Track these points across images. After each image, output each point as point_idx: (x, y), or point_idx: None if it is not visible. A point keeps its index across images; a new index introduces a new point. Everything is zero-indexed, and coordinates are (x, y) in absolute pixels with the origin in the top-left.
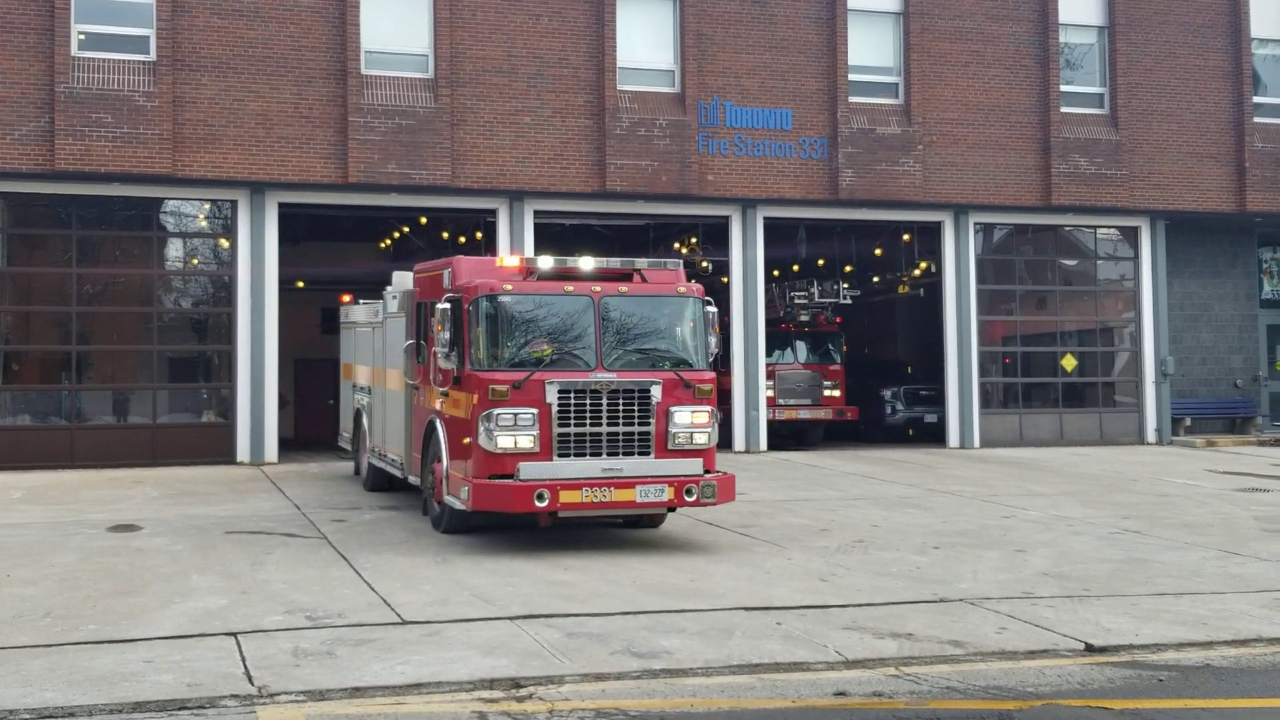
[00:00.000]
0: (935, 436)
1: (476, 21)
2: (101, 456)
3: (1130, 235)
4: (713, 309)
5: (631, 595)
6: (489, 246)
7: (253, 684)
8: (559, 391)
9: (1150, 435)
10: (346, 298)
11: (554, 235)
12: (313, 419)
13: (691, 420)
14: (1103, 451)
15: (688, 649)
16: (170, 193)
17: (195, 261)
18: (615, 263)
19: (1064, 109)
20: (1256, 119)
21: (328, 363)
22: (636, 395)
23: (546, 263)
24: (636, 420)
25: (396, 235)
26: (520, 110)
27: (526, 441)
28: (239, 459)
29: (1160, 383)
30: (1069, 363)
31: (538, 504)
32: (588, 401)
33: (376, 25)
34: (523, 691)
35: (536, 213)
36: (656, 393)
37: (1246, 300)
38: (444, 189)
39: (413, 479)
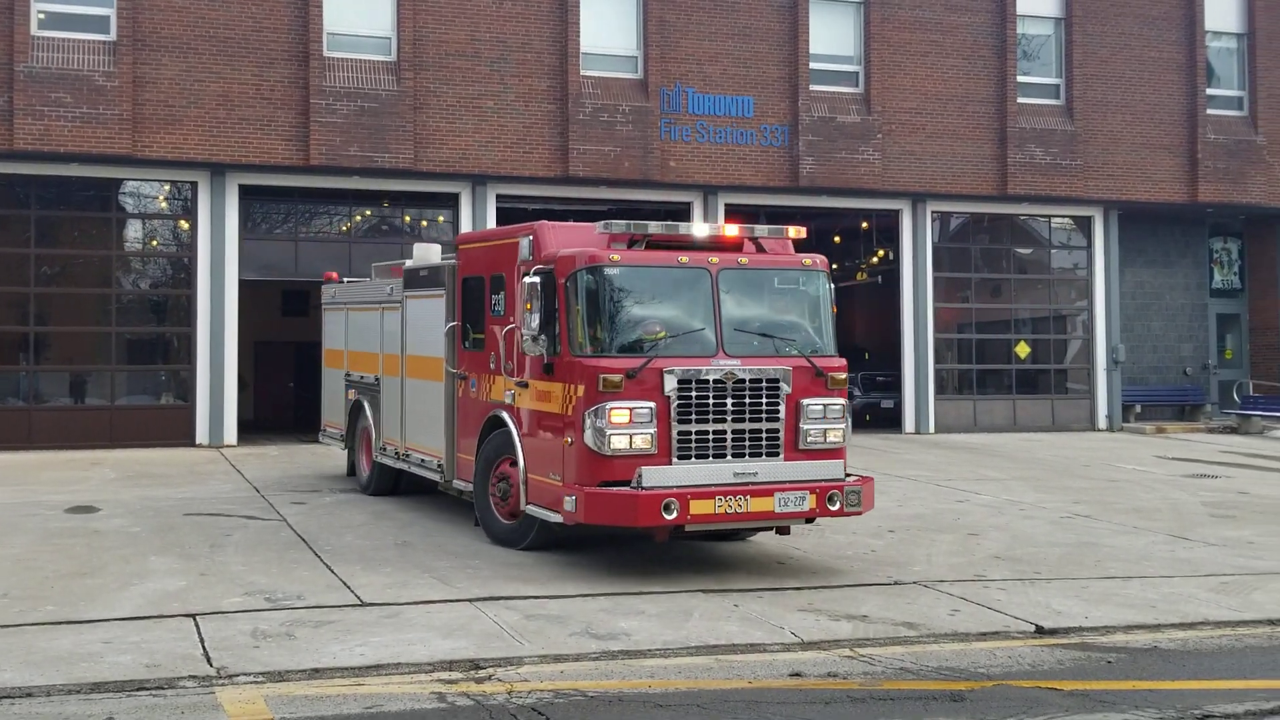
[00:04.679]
0: (892, 422)
1: (439, 5)
2: (59, 438)
3: (1084, 225)
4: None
5: (590, 578)
6: (454, 231)
7: (211, 665)
8: (679, 382)
9: (1101, 422)
10: (329, 275)
11: (516, 219)
12: (273, 402)
13: (825, 415)
14: (1055, 437)
15: (646, 630)
16: (130, 173)
17: (155, 243)
18: (731, 229)
19: (1021, 99)
20: (1209, 111)
21: (288, 346)
22: (765, 386)
23: (655, 227)
24: (765, 416)
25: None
26: (483, 94)
27: (643, 441)
28: (198, 441)
29: (1112, 370)
30: (1022, 350)
31: (666, 516)
32: (710, 394)
33: (339, 7)
34: (482, 673)
35: (499, 197)
36: (786, 383)
37: (1197, 289)
38: (406, 172)
39: (460, 484)
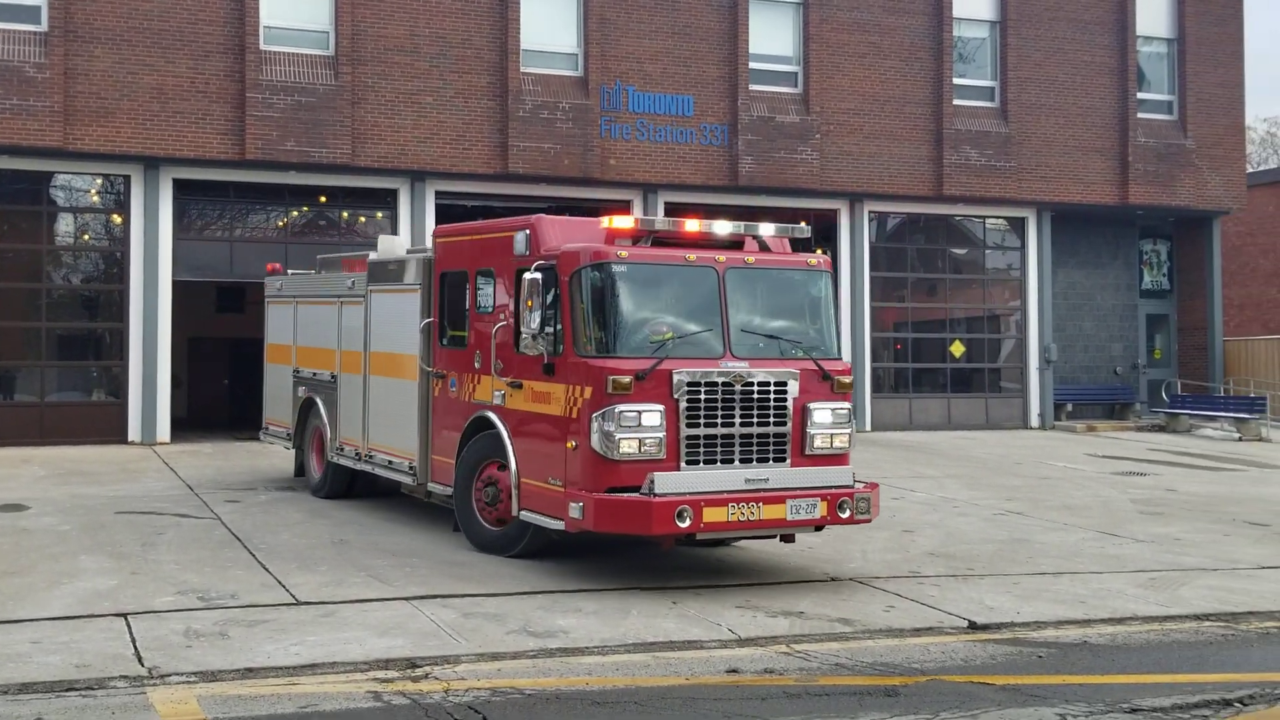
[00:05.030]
0: None
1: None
2: None
3: (1018, 225)
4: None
5: (529, 576)
6: (392, 227)
7: (143, 665)
8: (688, 384)
9: (1034, 420)
10: (272, 266)
11: (456, 216)
12: (207, 399)
13: (832, 419)
14: (988, 435)
15: (584, 628)
16: (61, 166)
17: (87, 237)
18: (735, 226)
19: (956, 101)
20: (1140, 115)
21: (224, 342)
22: (773, 389)
23: (663, 223)
24: (772, 420)
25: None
26: (422, 90)
27: (652, 446)
28: (130, 439)
29: (1044, 369)
30: (957, 349)
31: (679, 525)
32: (719, 397)
33: (276, 1)
34: (418, 671)
35: (438, 193)
36: (794, 386)
37: (1127, 290)
38: (344, 168)
39: (436, 488)
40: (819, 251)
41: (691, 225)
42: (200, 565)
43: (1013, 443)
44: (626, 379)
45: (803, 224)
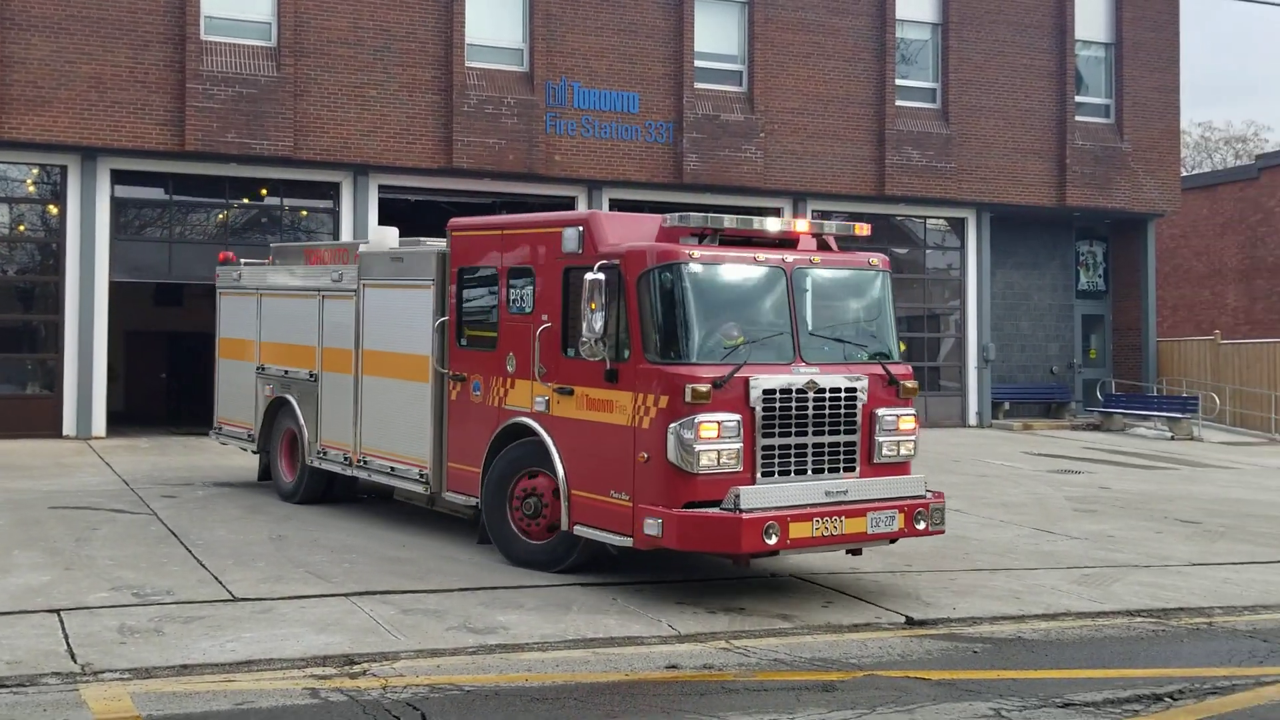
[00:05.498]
0: None
1: None
2: None
3: (958, 226)
4: None
5: (470, 572)
6: (334, 221)
7: (76, 662)
8: (764, 392)
9: (972, 418)
10: (225, 255)
11: (399, 211)
12: (144, 393)
13: (899, 426)
14: (927, 433)
15: (525, 624)
16: None
17: (22, 228)
18: (801, 224)
19: (899, 102)
20: (1078, 118)
21: (162, 336)
22: (844, 396)
23: (730, 221)
24: (843, 428)
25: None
26: (366, 83)
27: (730, 458)
28: (65, 433)
29: (982, 368)
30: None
31: (768, 542)
32: (793, 404)
33: None
34: (356, 668)
35: (381, 187)
36: (863, 392)
37: (1063, 291)
38: (286, 160)
39: (454, 497)
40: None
41: (758, 223)
42: (135, 561)
43: (951, 441)
44: (705, 387)
45: (866, 225)
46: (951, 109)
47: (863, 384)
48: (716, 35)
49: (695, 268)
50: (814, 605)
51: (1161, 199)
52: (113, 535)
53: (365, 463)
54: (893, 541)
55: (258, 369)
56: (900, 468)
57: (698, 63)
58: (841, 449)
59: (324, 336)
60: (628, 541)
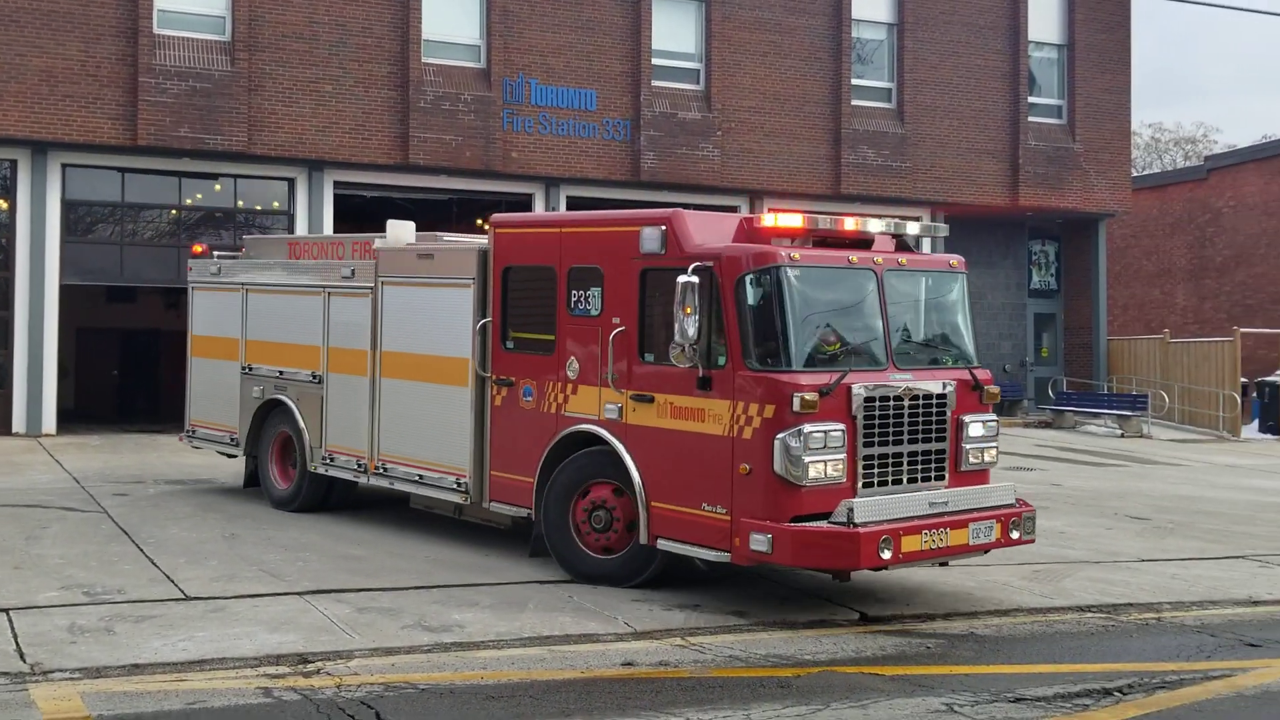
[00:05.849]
0: None
1: None
2: None
3: None
4: None
5: (425, 570)
6: (289, 217)
7: (25, 661)
8: (865, 399)
9: None
10: (199, 248)
11: (355, 207)
12: (96, 390)
13: (984, 433)
14: None
15: (480, 622)
16: None
17: None
18: (886, 224)
19: (854, 102)
20: (1031, 118)
21: (114, 332)
22: (935, 403)
23: (825, 221)
24: (934, 435)
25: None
26: (321, 78)
27: (835, 469)
28: (15, 430)
29: None
30: None
31: (883, 556)
32: (890, 412)
33: None
34: (310, 667)
35: (337, 183)
36: (952, 399)
37: (1016, 290)
38: (240, 155)
39: (501, 508)
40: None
41: (851, 223)
42: (86, 560)
43: None
44: (814, 396)
45: (945, 226)
46: (907, 109)
47: (951, 389)
48: (674, 33)
49: (795, 270)
50: (769, 602)
51: (1112, 199)
52: (63, 534)
53: (385, 469)
54: (985, 552)
55: (243, 369)
56: (982, 475)
57: (655, 61)
58: (933, 457)
59: (330, 336)
60: (724, 557)
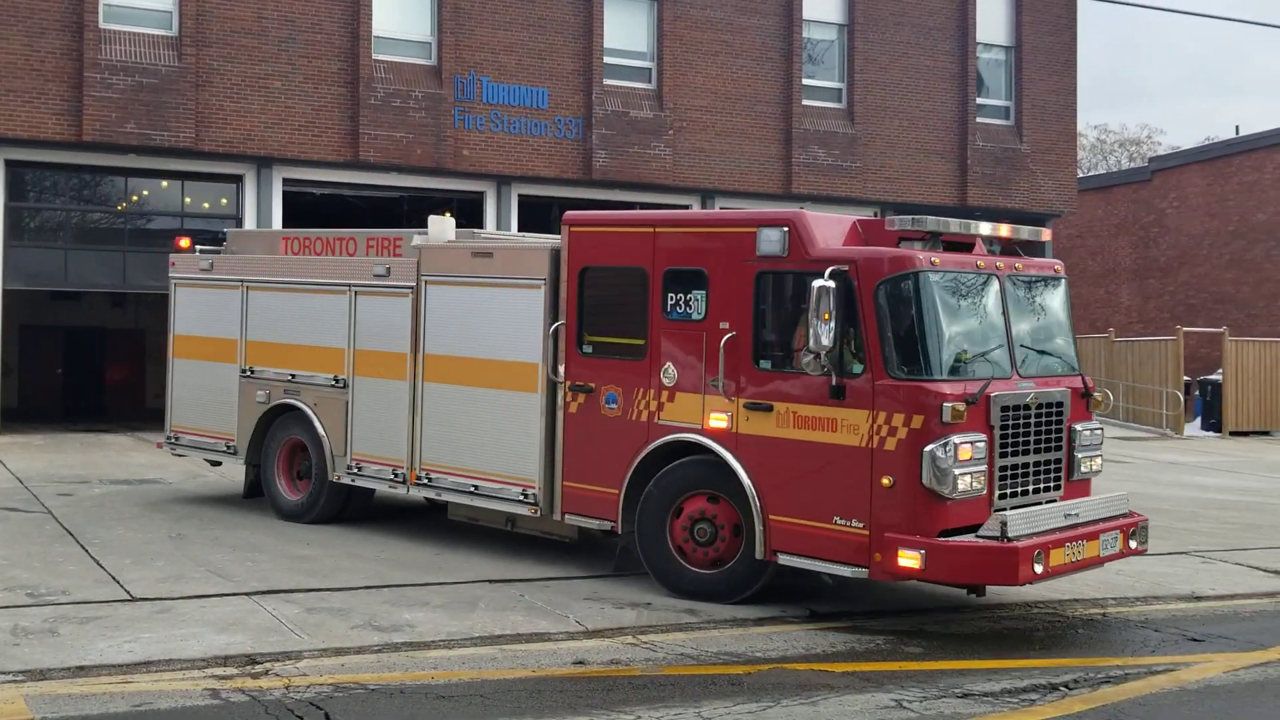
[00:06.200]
0: None
1: None
2: None
3: None
4: None
5: (376, 570)
6: (238, 214)
7: None
8: (1002, 409)
9: None
10: (186, 242)
11: (305, 205)
12: (40, 390)
13: (1092, 440)
14: None
15: (431, 622)
16: None
17: None
18: (1005, 229)
19: (805, 102)
20: (979, 119)
21: (58, 331)
22: (1055, 410)
23: (955, 225)
24: (1053, 444)
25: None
26: (270, 74)
27: (978, 481)
28: None
29: None
30: None
31: (1036, 571)
32: (1020, 421)
33: None
34: (259, 668)
35: (286, 180)
36: (1067, 406)
37: None
38: (187, 152)
39: (577, 520)
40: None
41: (973, 227)
42: (29, 561)
43: None
44: (962, 406)
45: (1048, 229)
46: (857, 109)
47: (1066, 397)
48: (626, 32)
49: (935, 275)
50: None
51: (1058, 199)
52: (5, 534)
53: (429, 480)
54: (1101, 565)
55: (243, 371)
56: (1088, 484)
57: (607, 59)
58: (1052, 467)
59: (358, 337)
60: (861, 573)
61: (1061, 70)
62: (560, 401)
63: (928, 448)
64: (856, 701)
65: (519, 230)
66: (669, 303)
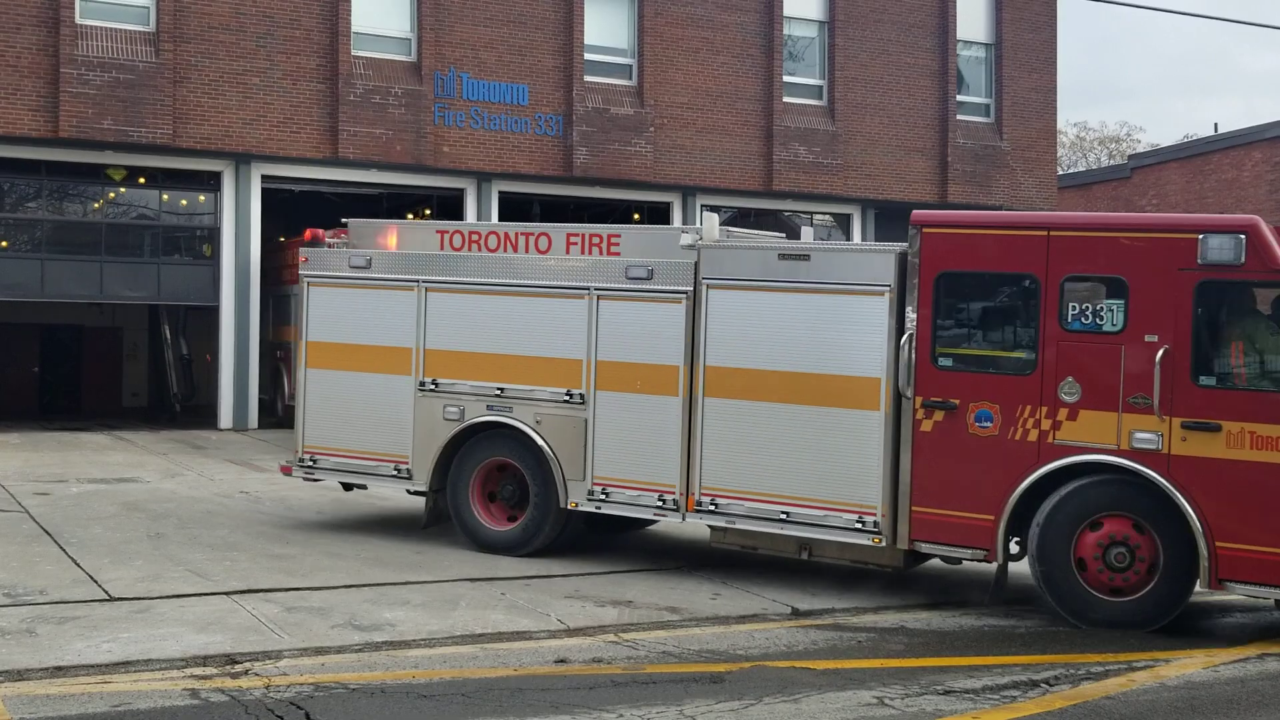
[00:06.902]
0: None
1: None
2: None
3: (843, 221)
4: None
5: (356, 568)
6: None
7: None
8: None
9: None
10: (322, 234)
11: (283, 202)
12: (14, 388)
13: None
14: None
15: (412, 620)
16: None
17: None
18: None
19: (786, 99)
20: (959, 116)
21: (34, 328)
22: None
23: None
24: None
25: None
26: (248, 70)
27: None
28: None
29: None
30: None
31: None
32: None
33: None
34: (238, 667)
35: (264, 177)
36: None
37: None
38: (165, 148)
39: (930, 548)
40: None
41: None
42: (6, 560)
43: None
44: None
45: None
46: (838, 106)
47: None
48: (606, 28)
49: None
50: (702, 597)
51: (1038, 197)
52: None
53: (714, 505)
54: None
55: (421, 384)
56: None
57: (588, 56)
58: None
59: (600, 347)
60: None
61: (1041, 68)
62: (905, 420)
63: None
64: (839, 699)
65: None
66: (1069, 312)
